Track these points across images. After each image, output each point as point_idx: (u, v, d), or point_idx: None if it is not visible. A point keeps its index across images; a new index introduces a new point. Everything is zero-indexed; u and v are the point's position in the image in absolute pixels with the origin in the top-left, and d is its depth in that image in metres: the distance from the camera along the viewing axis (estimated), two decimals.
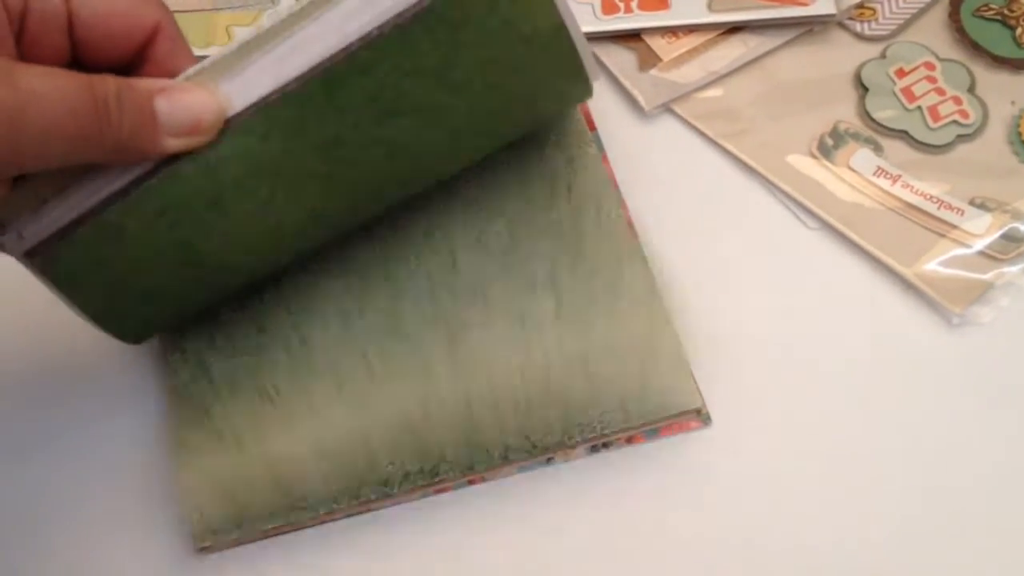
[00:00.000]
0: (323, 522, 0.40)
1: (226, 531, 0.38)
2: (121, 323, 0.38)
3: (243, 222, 0.36)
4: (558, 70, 0.38)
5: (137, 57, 0.35)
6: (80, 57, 0.34)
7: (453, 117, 0.37)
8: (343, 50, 0.34)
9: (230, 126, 0.34)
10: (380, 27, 0.34)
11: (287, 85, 0.34)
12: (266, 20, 0.35)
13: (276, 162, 0.35)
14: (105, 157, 0.33)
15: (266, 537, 0.39)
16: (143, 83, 0.33)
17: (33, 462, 0.41)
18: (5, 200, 0.34)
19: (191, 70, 0.35)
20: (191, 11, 0.52)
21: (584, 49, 0.37)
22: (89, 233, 0.35)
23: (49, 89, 0.30)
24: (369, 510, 0.40)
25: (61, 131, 0.30)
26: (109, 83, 0.31)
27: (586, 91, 0.40)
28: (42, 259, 0.35)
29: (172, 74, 0.35)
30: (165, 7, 0.35)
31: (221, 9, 0.52)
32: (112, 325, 0.38)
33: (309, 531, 0.40)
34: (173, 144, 0.33)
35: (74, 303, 0.36)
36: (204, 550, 0.38)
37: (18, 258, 0.35)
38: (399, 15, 0.34)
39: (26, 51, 0.33)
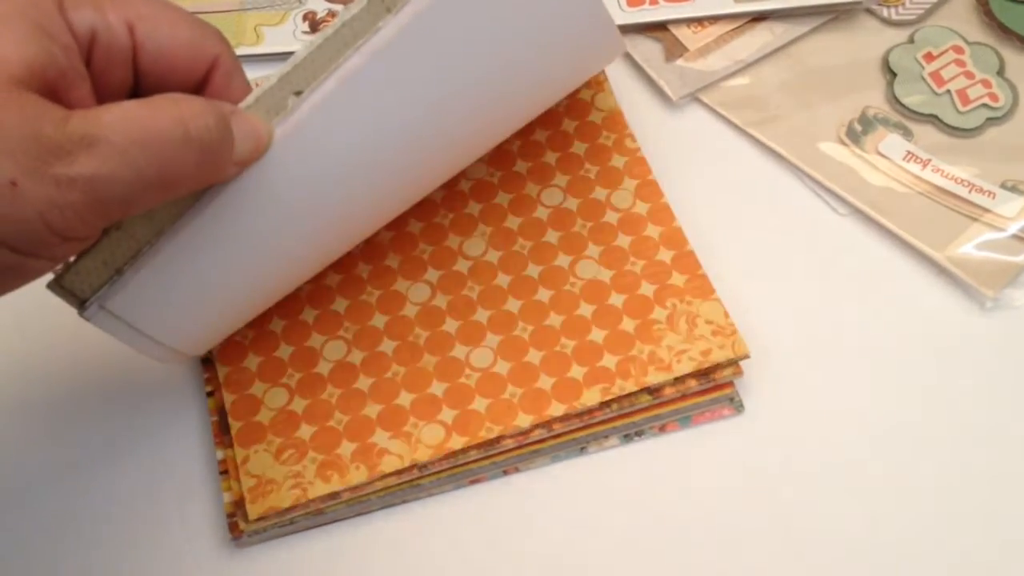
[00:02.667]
0: (359, 514, 0.40)
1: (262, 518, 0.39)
2: (189, 348, 0.39)
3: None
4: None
5: (196, 88, 0.35)
6: (141, 89, 0.34)
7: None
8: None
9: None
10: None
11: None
12: (301, 50, 0.35)
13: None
14: (188, 191, 0.32)
15: (299, 527, 0.40)
16: (226, 108, 0.33)
17: (84, 473, 0.42)
18: (78, 268, 0.34)
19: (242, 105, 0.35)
20: (219, 11, 0.53)
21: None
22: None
23: (136, 145, 0.29)
24: (404, 501, 0.40)
25: (151, 184, 0.30)
26: (206, 119, 0.31)
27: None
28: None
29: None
30: (224, 39, 0.35)
31: (249, 9, 0.53)
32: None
33: (343, 523, 0.40)
34: (234, 171, 0.34)
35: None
36: (239, 536, 0.39)
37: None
38: None
39: (92, 84, 0.32)
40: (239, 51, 0.51)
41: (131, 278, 0.35)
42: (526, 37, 0.37)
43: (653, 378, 0.40)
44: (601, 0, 0.38)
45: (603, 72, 0.47)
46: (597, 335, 0.41)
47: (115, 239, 0.34)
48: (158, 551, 0.40)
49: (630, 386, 0.39)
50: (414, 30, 0.34)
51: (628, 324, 0.41)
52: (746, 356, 0.40)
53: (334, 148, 0.36)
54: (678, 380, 0.40)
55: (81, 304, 0.35)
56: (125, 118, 0.29)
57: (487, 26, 0.36)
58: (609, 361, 0.40)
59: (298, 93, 0.34)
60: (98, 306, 0.35)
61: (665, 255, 0.42)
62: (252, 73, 0.48)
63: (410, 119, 0.36)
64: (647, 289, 0.42)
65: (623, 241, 0.43)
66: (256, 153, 0.34)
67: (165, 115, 0.30)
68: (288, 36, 0.51)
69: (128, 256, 0.35)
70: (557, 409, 0.39)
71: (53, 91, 0.29)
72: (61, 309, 0.35)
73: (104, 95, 0.32)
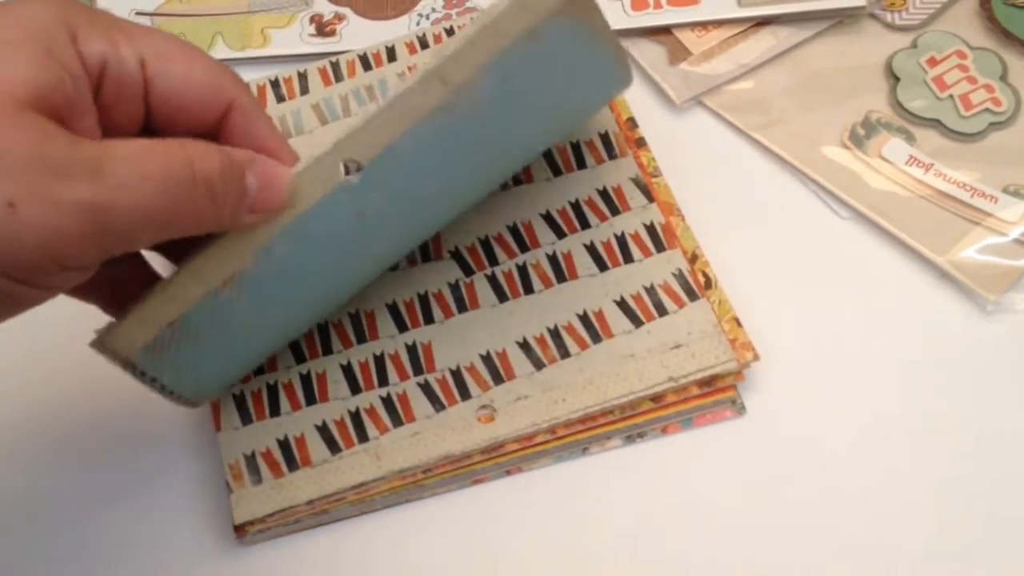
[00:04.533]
0: (363, 513, 0.40)
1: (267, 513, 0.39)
2: (204, 396, 0.40)
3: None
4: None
5: (212, 130, 0.34)
6: (153, 126, 0.33)
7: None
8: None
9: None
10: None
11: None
12: (358, 119, 0.35)
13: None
14: (191, 233, 0.32)
15: (304, 526, 0.40)
16: (239, 155, 0.32)
17: (89, 472, 0.42)
18: (118, 331, 0.34)
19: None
20: (227, 14, 0.53)
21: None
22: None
23: (141, 178, 0.29)
24: (407, 501, 0.40)
25: (153, 219, 0.29)
26: (212, 161, 0.31)
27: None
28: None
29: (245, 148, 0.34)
30: (241, 82, 0.35)
31: (256, 12, 0.53)
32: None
33: (346, 523, 0.40)
34: (250, 219, 0.33)
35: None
36: (243, 535, 0.39)
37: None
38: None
39: (99, 116, 0.32)
40: (246, 53, 0.51)
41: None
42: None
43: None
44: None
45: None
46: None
47: (161, 299, 0.34)
48: (164, 550, 0.40)
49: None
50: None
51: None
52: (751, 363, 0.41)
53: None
54: (680, 387, 0.40)
55: (127, 364, 0.35)
56: (134, 152, 0.29)
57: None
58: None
59: (351, 162, 0.34)
60: (134, 366, 0.35)
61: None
62: (259, 74, 0.49)
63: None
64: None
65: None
66: (274, 204, 0.34)
67: (174, 154, 0.30)
68: (295, 38, 0.52)
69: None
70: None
71: (59, 118, 0.29)
72: (71, 318, 0.35)
73: (113, 129, 0.32)
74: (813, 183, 0.47)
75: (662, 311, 0.41)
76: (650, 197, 0.44)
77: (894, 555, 0.39)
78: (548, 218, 0.44)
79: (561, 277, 0.43)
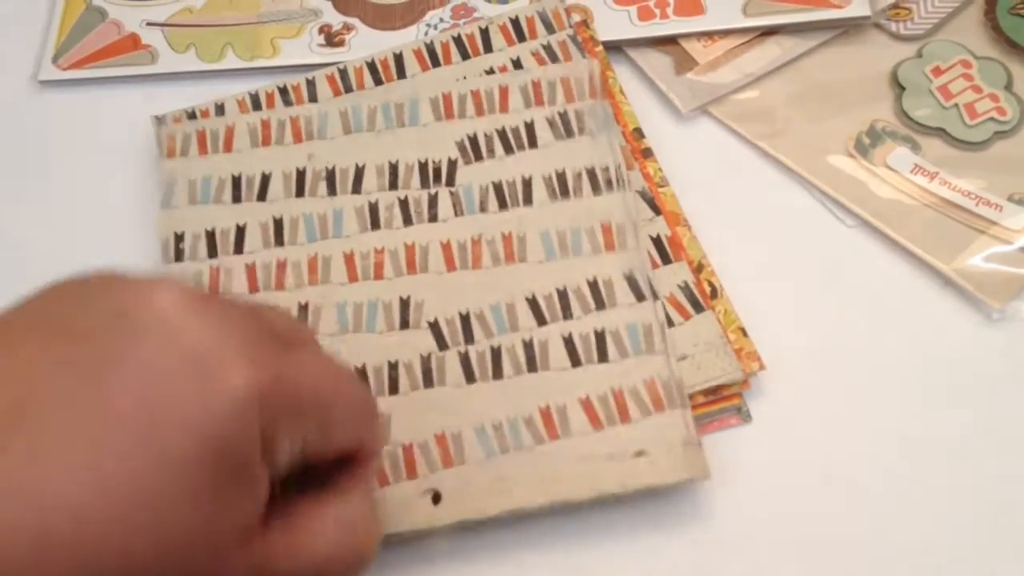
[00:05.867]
0: None
1: None
2: None
3: None
4: None
5: None
6: None
7: None
8: None
9: None
10: None
11: None
12: None
13: None
14: None
15: None
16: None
17: None
18: None
19: None
20: (237, 24, 0.54)
21: None
22: None
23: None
24: None
25: None
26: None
27: None
28: None
29: None
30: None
31: (266, 22, 0.54)
32: None
33: None
34: None
35: None
36: None
37: None
38: None
39: None
40: (255, 63, 0.52)
41: None
42: None
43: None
44: None
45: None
46: None
47: None
48: None
49: None
50: None
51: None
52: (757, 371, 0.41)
53: None
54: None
55: None
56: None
57: None
58: None
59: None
60: None
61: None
62: (267, 81, 0.50)
63: None
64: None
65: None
66: None
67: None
68: (304, 49, 0.52)
69: None
70: None
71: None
72: None
73: None
74: (818, 192, 0.47)
75: (668, 323, 0.42)
76: (656, 210, 0.45)
77: (899, 561, 0.39)
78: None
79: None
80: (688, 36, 0.51)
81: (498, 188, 0.45)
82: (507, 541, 0.39)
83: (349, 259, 0.44)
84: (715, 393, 0.41)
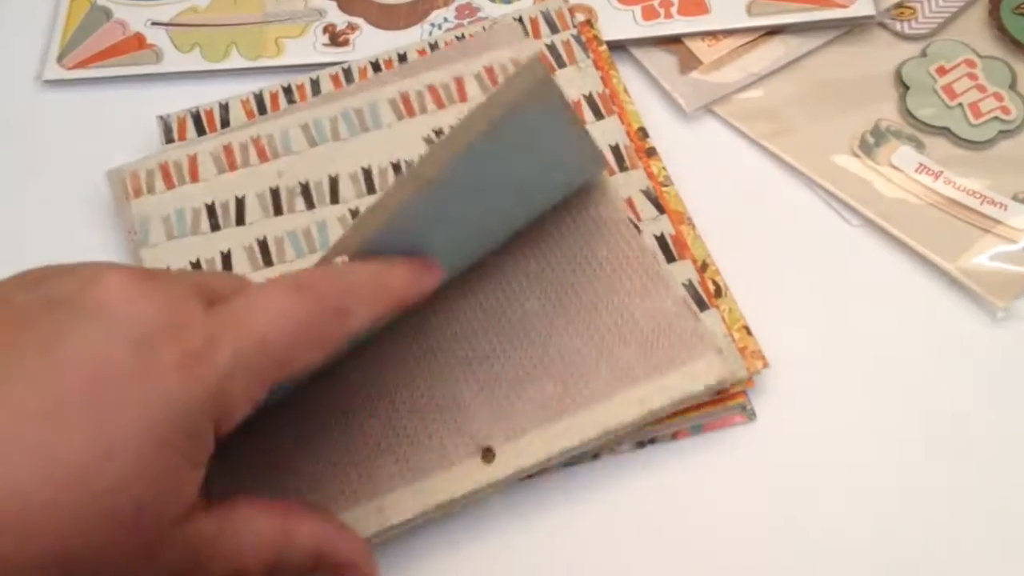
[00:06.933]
0: None
1: None
2: None
3: None
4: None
5: None
6: None
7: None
8: None
9: None
10: None
11: None
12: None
13: None
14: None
15: None
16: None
17: None
18: None
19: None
20: (241, 24, 0.54)
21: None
22: None
23: None
24: None
25: None
26: None
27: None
28: None
29: None
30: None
31: (270, 22, 0.54)
32: None
33: None
34: None
35: None
36: None
37: None
38: None
39: None
40: (260, 63, 0.52)
41: None
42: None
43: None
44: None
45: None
46: None
47: None
48: None
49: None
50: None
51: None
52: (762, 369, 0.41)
53: None
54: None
55: None
56: None
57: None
58: None
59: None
60: None
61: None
62: (272, 81, 0.50)
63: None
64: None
65: None
66: None
67: None
68: (308, 48, 0.52)
69: None
70: None
71: None
72: None
73: None
74: (823, 191, 0.47)
75: None
76: (661, 208, 0.45)
77: (901, 560, 0.39)
78: None
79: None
80: (692, 35, 0.51)
81: None
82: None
83: None
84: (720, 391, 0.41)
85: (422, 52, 0.50)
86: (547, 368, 0.40)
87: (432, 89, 0.48)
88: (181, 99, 0.50)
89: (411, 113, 0.48)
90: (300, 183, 0.46)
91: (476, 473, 0.39)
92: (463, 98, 0.48)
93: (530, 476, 0.40)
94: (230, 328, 0.30)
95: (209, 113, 0.49)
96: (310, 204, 0.46)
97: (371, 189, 0.46)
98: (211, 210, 0.46)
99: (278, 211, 0.46)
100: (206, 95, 0.50)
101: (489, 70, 0.48)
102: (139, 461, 0.27)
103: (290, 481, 0.39)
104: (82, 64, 0.53)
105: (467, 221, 0.38)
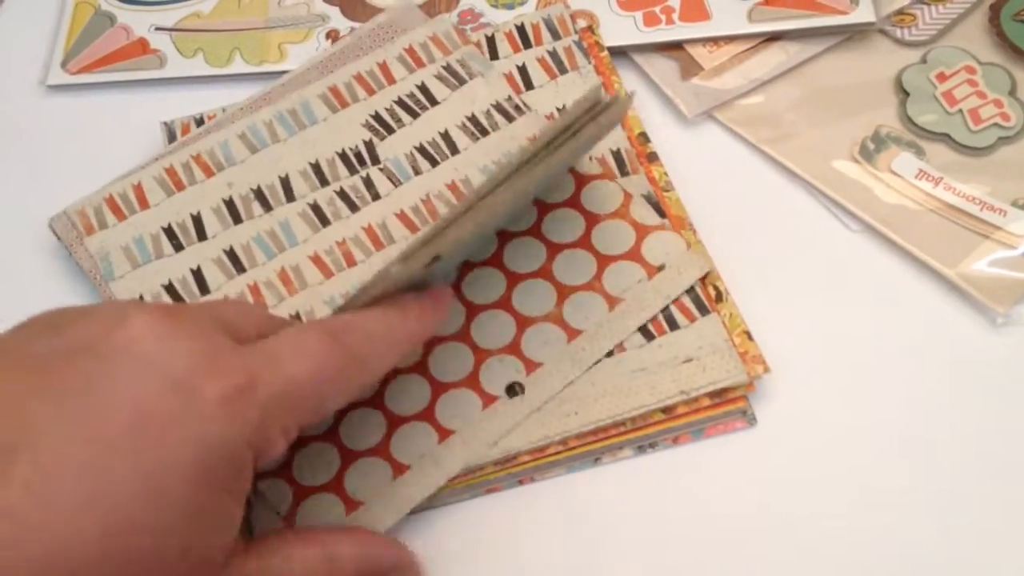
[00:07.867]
0: None
1: None
2: None
3: None
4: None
5: None
6: None
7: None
8: None
9: None
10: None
11: None
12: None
13: None
14: None
15: None
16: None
17: None
18: None
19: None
20: (245, 30, 0.54)
21: None
22: None
23: None
24: (421, 509, 0.40)
25: None
26: None
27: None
28: None
29: None
30: None
31: (274, 27, 0.54)
32: None
33: None
34: None
35: None
36: None
37: None
38: None
39: None
40: (263, 68, 0.52)
41: None
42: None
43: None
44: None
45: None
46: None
47: None
48: None
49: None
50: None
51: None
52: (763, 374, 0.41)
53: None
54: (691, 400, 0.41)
55: None
56: None
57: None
58: None
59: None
60: None
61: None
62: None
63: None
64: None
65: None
66: None
67: None
68: (312, 54, 0.52)
69: None
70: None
71: None
72: None
73: None
74: (823, 196, 0.47)
75: (674, 325, 0.42)
76: (662, 214, 0.45)
77: (902, 562, 0.39)
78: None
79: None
80: (693, 42, 0.51)
81: (422, 150, 0.47)
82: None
83: (317, 260, 0.45)
84: (720, 396, 0.41)
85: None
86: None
87: (359, 78, 0.49)
88: (184, 104, 0.51)
89: (344, 104, 0.49)
90: (252, 189, 0.47)
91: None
92: (391, 81, 0.49)
93: (531, 479, 0.41)
94: (268, 367, 0.30)
95: (212, 118, 0.49)
96: (267, 207, 0.46)
97: (323, 182, 0.47)
98: (169, 232, 0.46)
99: (237, 220, 0.46)
100: (209, 100, 0.50)
101: (410, 50, 0.50)
102: (187, 501, 0.27)
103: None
104: (86, 69, 0.53)
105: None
